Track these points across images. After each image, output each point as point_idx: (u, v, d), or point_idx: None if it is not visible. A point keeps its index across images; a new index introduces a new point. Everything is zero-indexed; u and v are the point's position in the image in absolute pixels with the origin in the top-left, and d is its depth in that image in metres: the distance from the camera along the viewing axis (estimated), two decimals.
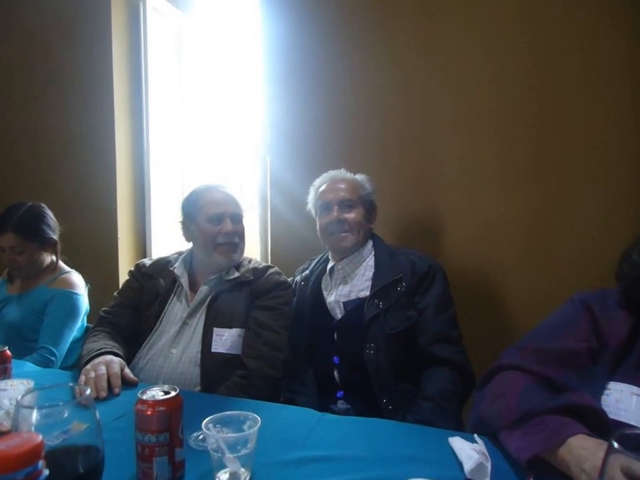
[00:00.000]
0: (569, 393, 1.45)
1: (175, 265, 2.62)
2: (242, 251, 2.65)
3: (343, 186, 2.67)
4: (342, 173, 2.78)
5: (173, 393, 1.32)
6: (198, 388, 2.34)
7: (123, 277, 3.84)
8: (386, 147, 3.39)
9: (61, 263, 3.16)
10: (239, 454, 1.28)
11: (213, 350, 2.39)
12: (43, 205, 3.10)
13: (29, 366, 2.44)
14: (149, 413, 1.27)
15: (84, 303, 3.07)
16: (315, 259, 2.90)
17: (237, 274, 2.56)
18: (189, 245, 2.74)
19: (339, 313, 2.55)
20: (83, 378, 2.04)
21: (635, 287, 1.54)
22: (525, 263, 3.12)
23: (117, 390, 1.98)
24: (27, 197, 3.13)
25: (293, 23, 3.60)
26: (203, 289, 2.54)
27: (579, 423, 1.32)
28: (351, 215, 2.60)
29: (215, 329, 2.43)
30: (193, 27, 4.75)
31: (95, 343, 2.33)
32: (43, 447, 0.90)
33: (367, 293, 2.50)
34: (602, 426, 1.34)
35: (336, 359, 2.48)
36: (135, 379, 2.12)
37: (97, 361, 2.13)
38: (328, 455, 1.49)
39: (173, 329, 2.47)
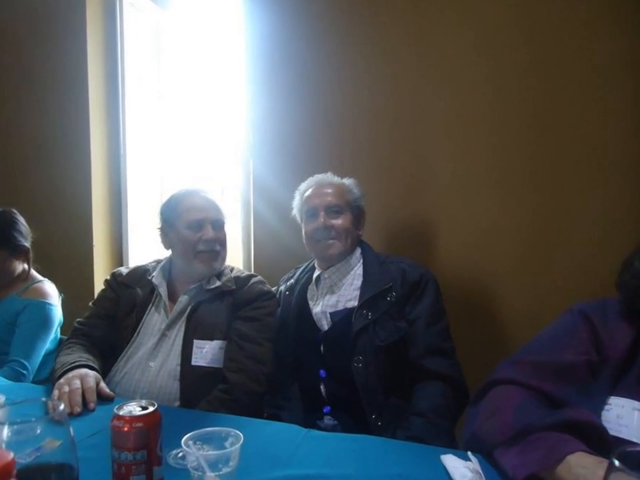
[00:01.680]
0: (568, 408, 1.45)
1: (153, 274, 2.63)
2: (223, 259, 2.66)
3: (329, 190, 2.68)
4: (329, 176, 2.79)
5: (151, 408, 1.31)
6: (177, 403, 2.34)
7: (99, 286, 3.82)
8: (375, 150, 3.40)
9: (33, 272, 3.15)
10: (221, 472, 1.27)
11: (193, 363, 2.39)
12: (14, 210, 3.09)
13: None
14: (125, 429, 1.26)
15: (57, 314, 3.06)
16: (300, 267, 2.91)
17: (218, 283, 2.56)
18: (168, 253, 2.74)
19: (325, 324, 2.56)
20: (56, 392, 2.03)
21: (637, 297, 1.54)
22: (521, 272, 3.13)
23: (92, 405, 1.98)
24: None
25: (277, 19, 3.61)
26: (183, 299, 2.54)
27: (578, 440, 1.32)
28: (338, 221, 2.61)
29: (195, 341, 2.43)
30: (172, 23, 4.75)
31: (68, 355, 2.33)
32: (15, 465, 0.91)
33: (354, 303, 2.51)
34: (602, 443, 1.34)
35: (322, 373, 2.48)
36: (111, 393, 2.12)
37: (71, 374, 2.13)
38: (314, 474, 1.49)
39: (150, 341, 2.47)
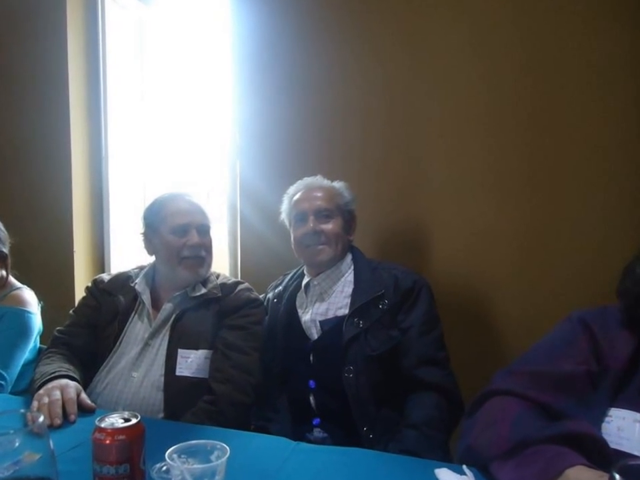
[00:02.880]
0: (567, 420, 1.44)
1: (136, 281, 2.63)
2: (209, 265, 2.67)
3: (319, 194, 2.68)
4: (318, 180, 2.80)
5: (133, 420, 1.32)
6: (161, 415, 2.34)
7: (79, 293, 3.81)
8: (366, 152, 3.40)
9: (12, 279, 3.12)
10: None
11: (177, 373, 2.39)
12: None
13: None
14: (107, 442, 1.26)
15: (36, 322, 3.04)
16: (288, 273, 2.91)
17: (203, 290, 2.57)
18: (152, 259, 2.74)
19: (315, 333, 2.56)
20: (35, 404, 2.03)
21: (638, 305, 1.54)
22: (518, 278, 3.14)
23: (72, 417, 1.98)
24: None
25: (265, 16, 3.61)
26: (167, 307, 2.54)
27: (578, 453, 1.31)
28: (328, 226, 2.61)
29: (179, 350, 2.44)
30: (155, 20, 4.73)
31: (48, 365, 2.33)
32: None
33: (345, 311, 2.51)
34: (602, 456, 1.34)
35: (312, 383, 2.48)
36: (93, 405, 2.12)
37: (50, 385, 2.13)
38: None
39: (133, 351, 2.48)
